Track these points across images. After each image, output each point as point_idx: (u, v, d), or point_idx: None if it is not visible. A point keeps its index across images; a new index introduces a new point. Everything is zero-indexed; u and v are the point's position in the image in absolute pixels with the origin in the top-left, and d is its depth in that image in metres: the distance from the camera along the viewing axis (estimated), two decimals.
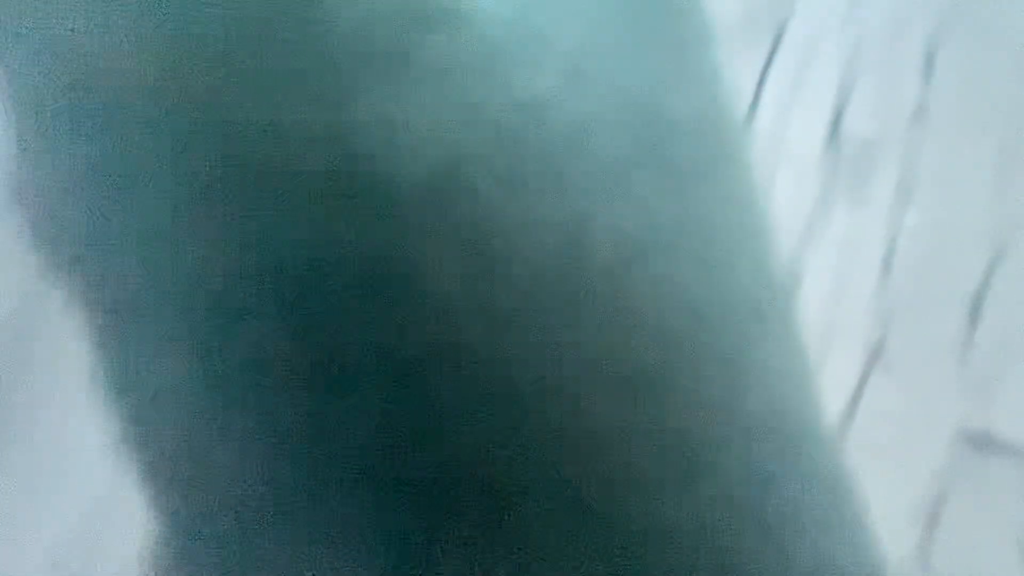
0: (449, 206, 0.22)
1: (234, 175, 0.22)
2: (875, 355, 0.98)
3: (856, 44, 1.14)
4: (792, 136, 1.09)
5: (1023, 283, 1.02)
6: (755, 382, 0.25)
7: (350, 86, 0.21)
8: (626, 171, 0.23)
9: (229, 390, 0.23)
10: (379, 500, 0.23)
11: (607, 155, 0.23)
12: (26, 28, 0.23)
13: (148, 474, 0.25)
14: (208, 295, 0.23)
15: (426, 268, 0.22)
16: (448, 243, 0.22)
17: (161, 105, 0.22)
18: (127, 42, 0.22)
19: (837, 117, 1.10)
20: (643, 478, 0.23)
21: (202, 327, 0.23)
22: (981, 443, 0.94)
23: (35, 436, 0.90)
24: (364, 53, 0.22)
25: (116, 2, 0.22)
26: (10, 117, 0.24)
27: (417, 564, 0.23)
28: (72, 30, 0.22)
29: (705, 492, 0.24)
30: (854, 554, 0.27)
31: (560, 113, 0.22)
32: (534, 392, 0.23)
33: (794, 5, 1.16)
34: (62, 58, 0.23)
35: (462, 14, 0.22)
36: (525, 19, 0.22)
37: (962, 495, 0.92)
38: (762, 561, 0.24)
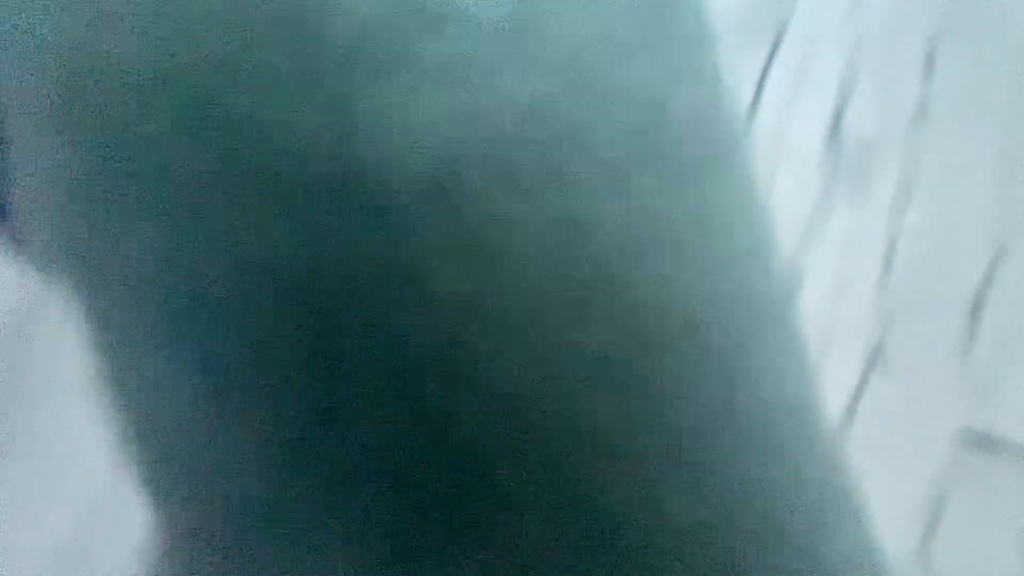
0: (448, 206, 0.22)
1: (232, 175, 0.22)
2: (875, 355, 0.98)
3: (856, 44, 1.14)
4: (792, 136, 1.09)
5: (1023, 283, 1.02)
6: (755, 382, 0.25)
7: (349, 86, 0.21)
8: (626, 171, 0.23)
9: (228, 391, 0.23)
10: (379, 502, 0.23)
11: (607, 155, 0.22)
12: (19, 27, 0.23)
13: (147, 475, 0.25)
14: (208, 296, 0.23)
15: (425, 268, 0.22)
16: (447, 243, 0.22)
17: (159, 105, 0.22)
18: (123, 41, 0.22)
19: (837, 117, 1.10)
20: (643, 478, 0.23)
21: (201, 328, 0.23)
22: (982, 443, 0.94)
23: (35, 436, 0.90)
24: (364, 53, 0.22)
25: (112, 1, 0.22)
26: (5, 117, 0.24)
27: (418, 566, 0.23)
28: (67, 29, 0.22)
29: (704, 492, 0.24)
30: (854, 554, 0.27)
31: (560, 113, 0.22)
32: (534, 392, 0.23)
33: (794, 5, 1.16)
34: (57, 58, 0.23)
35: (462, 14, 0.22)
36: (525, 19, 0.22)
37: (962, 495, 0.92)
38: (762, 561, 0.24)
